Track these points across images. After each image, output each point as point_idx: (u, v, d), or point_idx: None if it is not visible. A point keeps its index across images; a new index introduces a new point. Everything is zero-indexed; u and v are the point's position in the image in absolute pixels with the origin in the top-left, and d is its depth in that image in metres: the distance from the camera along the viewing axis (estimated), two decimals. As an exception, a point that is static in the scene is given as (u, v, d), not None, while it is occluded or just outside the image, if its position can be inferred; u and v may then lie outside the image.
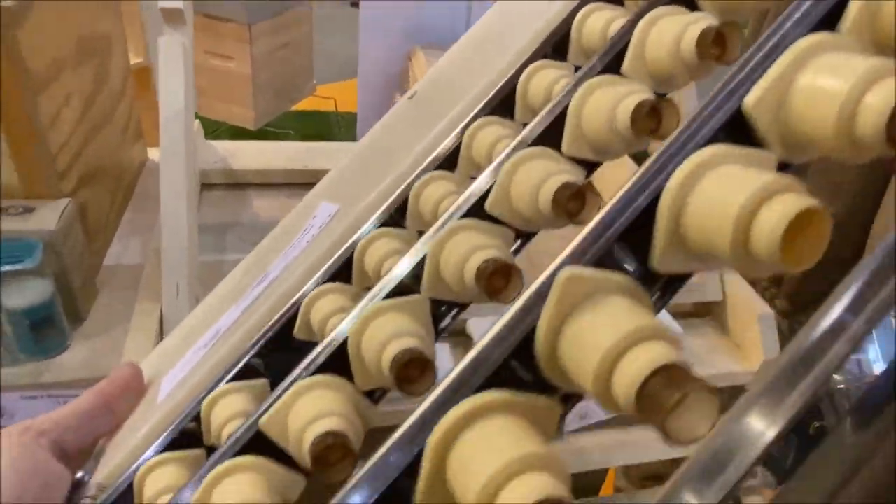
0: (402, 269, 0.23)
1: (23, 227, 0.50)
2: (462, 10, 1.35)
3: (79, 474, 0.34)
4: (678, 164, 0.15)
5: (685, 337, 0.39)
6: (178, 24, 0.54)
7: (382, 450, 0.15)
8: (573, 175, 0.21)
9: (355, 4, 1.45)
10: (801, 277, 0.66)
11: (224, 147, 0.79)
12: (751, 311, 0.40)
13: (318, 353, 0.23)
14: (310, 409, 0.21)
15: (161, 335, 0.51)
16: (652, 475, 0.64)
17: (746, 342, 0.37)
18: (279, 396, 0.22)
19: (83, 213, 0.57)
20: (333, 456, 0.19)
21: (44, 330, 0.51)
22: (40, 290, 0.49)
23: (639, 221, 0.15)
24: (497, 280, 0.20)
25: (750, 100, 0.15)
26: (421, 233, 0.32)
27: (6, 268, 0.46)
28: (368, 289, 0.31)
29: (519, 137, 0.24)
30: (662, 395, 0.12)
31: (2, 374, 0.48)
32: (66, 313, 0.52)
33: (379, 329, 0.21)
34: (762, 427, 0.13)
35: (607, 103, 0.22)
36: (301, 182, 0.72)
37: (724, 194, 0.14)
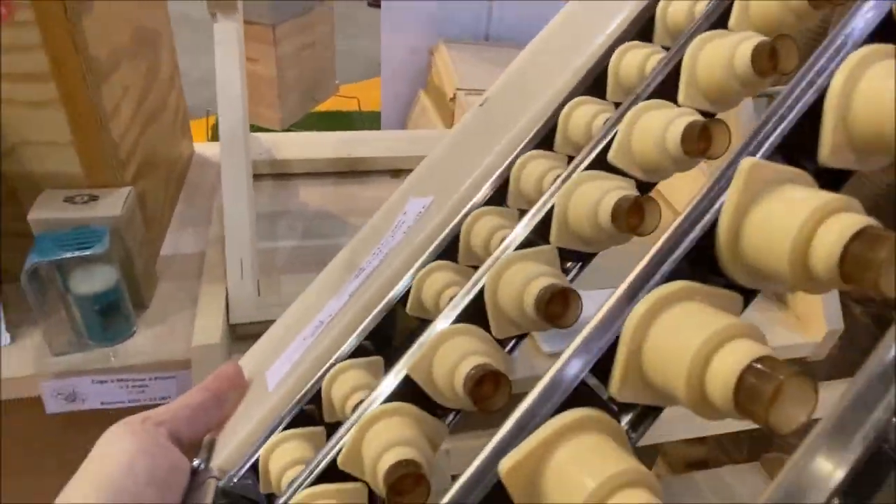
0: (527, 223, 0.24)
1: (90, 215, 0.51)
2: (483, 5, 1.37)
3: (195, 462, 0.35)
4: (838, 64, 0.15)
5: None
6: (230, 11, 0.57)
7: (563, 358, 0.16)
8: (696, 117, 0.22)
9: (374, 5, 1.49)
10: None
11: (268, 139, 0.80)
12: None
13: (455, 305, 0.23)
14: (456, 351, 0.21)
15: (227, 316, 0.53)
16: (695, 461, 0.60)
17: (807, 313, 0.36)
18: (420, 345, 0.22)
19: (141, 202, 0.58)
20: (487, 389, 0.20)
21: (111, 316, 0.52)
22: (107, 276, 0.50)
23: (803, 122, 0.16)
24: (633, 217, 0.21)
25: (901, 2, 0.16)
26: (522, 211, 0.33)
27: (76, 254, 0.47)
28: (475, 267, 0.32)
29: (633, 95, 0.25)
30: (866, 256, 0.13)
31: (72, 360, 0.49)
32: (130, 300, 0.53)
33: (515, 274, 0.22)
34: (830, 468, 0.12)
35: (723, 52, 0.23)
36: (346, 171, 0.72)
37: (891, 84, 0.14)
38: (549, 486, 0.14)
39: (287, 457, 0.29)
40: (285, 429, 0.31)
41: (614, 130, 0.24)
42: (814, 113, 0.16)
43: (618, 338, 0.15)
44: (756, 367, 0.12)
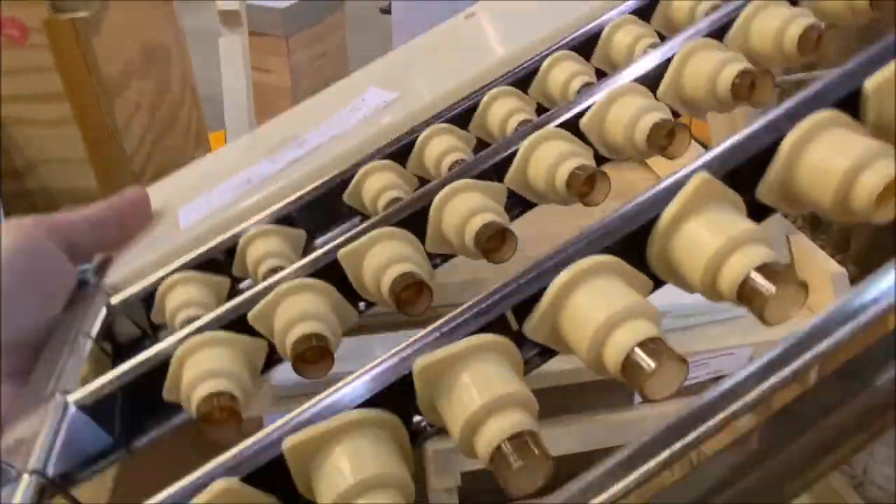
0: (488, 155, 0.25)
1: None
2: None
3: (84, 273, 0.35)
4: (801, 116, 0.18)
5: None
6: (235, 25, 0.59)
7: (495, 290, 0.17)
8: (666, 116, 0.24)
9: (386, 11, 1.47)
10: (870, 240, 0.65)
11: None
12: (822, 271, 0.38)
13: (399, 209, 0.25)
14: (390, 251, 0.23)
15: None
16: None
17: (819, 303, 0.35)
18: (357, 237, 0.24)
19: (156, 213, 0.62)
20: (410, 294, 0.22)
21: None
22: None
23: (758, 156, 0.18)
24: (586, 186, 0.23)
25: (871, 83, 0.18)
26: (480, 142, 0.34)
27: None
28: (420, 178, 0.33)
29: (616, 75, 0.26)
30: (760, 289, 0.15)
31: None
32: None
33: (464, 201, 0.24)
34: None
35: (710, 68, 0.24)
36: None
37: (832, 155, 0.17)
38: (450, 392, 0.16)
39: (186, 296, 0.30)
40: (192, 269, 0.31)
41: (592, 100, 0.25)
42: (769, 151, 0.18)
43: (543, 289, 0.17)
44: (643, 347, 0.15)
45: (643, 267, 0.18)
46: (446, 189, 0.24)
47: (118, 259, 0.36)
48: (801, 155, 0.17)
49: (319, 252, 0.24)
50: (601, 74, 0.35)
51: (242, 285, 0.32)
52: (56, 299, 0.32)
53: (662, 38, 0.35)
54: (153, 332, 0.32)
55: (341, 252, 0.23)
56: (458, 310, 0.17)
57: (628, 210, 0.17)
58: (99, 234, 0.36)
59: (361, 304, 0.25)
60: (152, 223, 0.39)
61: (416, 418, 0.17)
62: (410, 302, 0.21)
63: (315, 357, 0.21)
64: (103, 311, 0.31)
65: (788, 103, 0.18)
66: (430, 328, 0.17)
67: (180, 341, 0.24)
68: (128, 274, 0.34)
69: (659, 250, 0.17)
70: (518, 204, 0.26)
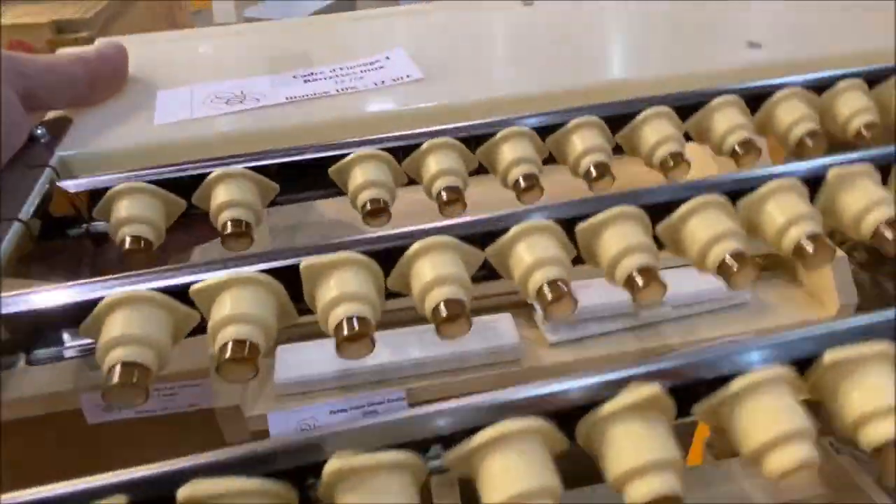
0: (481, 222, 0.25)
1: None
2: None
3: (37, 130, 0.32)
4: (761, 362, 0.19)
5: (753, 291, 0.37)
6: None
7: (427, 410, 0.18)
8: (652, 265, 0.24)
9: None
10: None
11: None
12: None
13: (372, 239, 0.24)
14: (344, 287, 0.23)
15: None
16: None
17: (819, 289, 0.36)
18: (325, 249, 0.23)
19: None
20: (353, 335, 0.22)
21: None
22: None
23: (710, 382, 0.19)
24: (553, 301, 0.23)
25: (830, 356, 0.19)
26: (482, 166, 0.33)
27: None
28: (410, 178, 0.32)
29: (626, 191, 0.26)
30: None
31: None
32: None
33: (432, 266, 0.23)
34: None
35: (709, 233, 0.25)
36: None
37: (760, 420, 0.18)
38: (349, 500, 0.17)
39: (136, 210, 0.28)
40: (151, 181, 0.29)
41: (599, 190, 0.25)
42: (720, 382, 0.19)
43: (473, 428, 0.17)
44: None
45: (570, 433, 0.19)
46: (423, 242, 0.24)
47: (77, 122, 0.34)
48: (739, 404, 0.18)
49: (284, 248, 0.24)
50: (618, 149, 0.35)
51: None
52: (3, 155, 0.30)
53: (689, 138, 0.35)
54: (90, 220, 0.31)
55: (304, 264, 0.23)
56: (391, 418, 0.18)
57: (572, 389, 0.18)
58: (64, 88, 0.34)
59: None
60: (125, 93, 0.37)
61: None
62: (350, 342, 0.22)
63: (243, 359, 0.21)
64: (45, 185, 0.29)
65: (755, 349, 0.19)
66: (358, 426, 0.18)
67: (116, 279, 0.23)
68: (82, 154, 0.32)
69: (587, 434, 0.18)
70: (490, 269, 0.26)
